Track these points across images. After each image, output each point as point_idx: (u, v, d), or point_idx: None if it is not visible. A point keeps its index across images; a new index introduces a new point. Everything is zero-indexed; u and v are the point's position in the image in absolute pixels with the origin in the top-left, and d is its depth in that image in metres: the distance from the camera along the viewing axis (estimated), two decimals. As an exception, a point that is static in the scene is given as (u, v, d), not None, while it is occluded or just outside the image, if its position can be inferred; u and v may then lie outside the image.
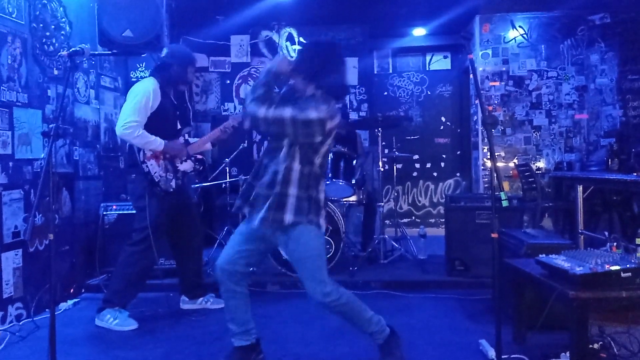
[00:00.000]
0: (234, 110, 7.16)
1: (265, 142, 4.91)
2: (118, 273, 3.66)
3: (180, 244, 3.90)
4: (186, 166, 3.80)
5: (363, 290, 4.15)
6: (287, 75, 2.81)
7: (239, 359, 2.77)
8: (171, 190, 3.66)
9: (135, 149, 3.59)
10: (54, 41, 4.23)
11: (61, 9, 4.36)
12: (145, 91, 3.56)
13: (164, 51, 3.75)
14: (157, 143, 3.58)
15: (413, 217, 7.78)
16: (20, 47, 3.79)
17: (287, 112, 2.59)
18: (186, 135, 3.97)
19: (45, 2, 4.14)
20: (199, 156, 3.95)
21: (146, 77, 3.78)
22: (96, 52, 4.26)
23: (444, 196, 7.21)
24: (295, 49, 7.06)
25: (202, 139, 4.00)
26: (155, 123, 3.58)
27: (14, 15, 3.73)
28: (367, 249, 5.14)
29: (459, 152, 7.67)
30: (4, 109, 3.60)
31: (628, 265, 2.42)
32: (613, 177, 4.38)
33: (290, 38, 7.12)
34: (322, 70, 2.74)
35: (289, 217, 2.56)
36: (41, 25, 4.07)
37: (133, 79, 5.45)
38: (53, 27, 4.24)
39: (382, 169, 5.22)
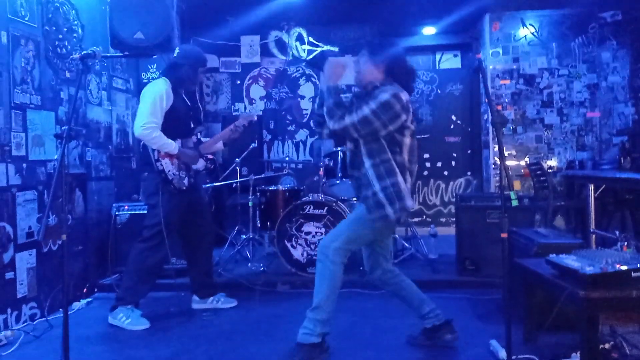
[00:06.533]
0: (244, 110, 7.20)
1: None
2: (129, 270, 3.69)
3: (192, 243, 3.93)
4: (198, 165, 3.83)
5: (373, 289, 4.12)
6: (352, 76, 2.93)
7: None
8: (184, 188, 3.69)
9: (149, 148, 3.62)
10: (66, 44, 4.28)
11: (73, 12, 4.41)
12: (158, 92, 3.59)
13: (176, 51, 3.76)
14: (172, 147, 3.61)
15: (424, 217, 7.76)
16: (33, 50, 3.84)
17: (365, 109, 2.72)
18: (199, 135, 4.00)
19: (58, 5, 4.19)
20: (209, 156, 3.98)
21: (157, 77, 3.80)
22: (108, 55, 4.30)
23: (454, 195, 7.18)
24: (305, 49, 7.08)
25: (214, 138, 4.02)
26: (169, 123, 3.62)
27: (27, 19, 3.78)
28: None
29: (469, 151, 7.64)
30: (18, 111, 3.66)
31: (638, 265, 2.41)
32: (625, 175, 4.35)
33: (299, 38, 7.14)
34: (392, 63, 2.85)
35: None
36: (54, 28, 4.12)
37: (144, 81, 5.50)
38: (65, 30, 4.29)
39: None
